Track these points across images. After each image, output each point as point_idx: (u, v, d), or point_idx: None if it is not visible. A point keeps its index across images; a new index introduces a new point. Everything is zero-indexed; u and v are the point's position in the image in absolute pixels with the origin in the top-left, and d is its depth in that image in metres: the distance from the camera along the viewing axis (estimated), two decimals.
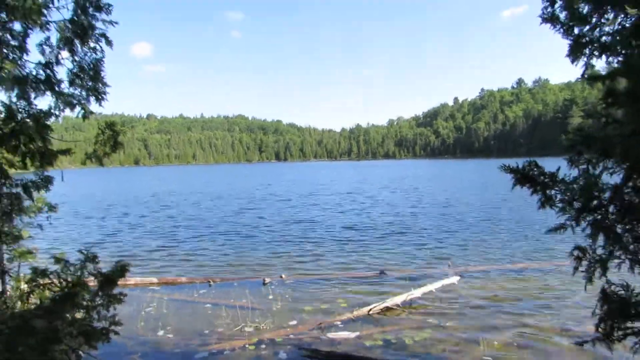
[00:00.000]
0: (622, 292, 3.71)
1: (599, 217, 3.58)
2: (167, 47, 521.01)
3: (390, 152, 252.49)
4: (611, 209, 3.64)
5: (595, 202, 3.57)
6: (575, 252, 3.85)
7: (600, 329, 3.79)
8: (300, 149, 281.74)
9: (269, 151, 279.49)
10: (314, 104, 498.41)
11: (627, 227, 3.57)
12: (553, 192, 3.90)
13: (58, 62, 4.46)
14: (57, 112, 4.67)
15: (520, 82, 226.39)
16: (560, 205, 3.84)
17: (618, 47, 4.34)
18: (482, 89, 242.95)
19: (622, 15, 4.23)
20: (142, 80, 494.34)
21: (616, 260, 3.66)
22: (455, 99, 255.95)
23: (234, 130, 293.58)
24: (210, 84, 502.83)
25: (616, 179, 3.67)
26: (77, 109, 4.75)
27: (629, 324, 3.71)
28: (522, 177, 3.94)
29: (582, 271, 3.85)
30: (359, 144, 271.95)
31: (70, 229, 24.68)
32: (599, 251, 3.74)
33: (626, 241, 3.55)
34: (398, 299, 10.72)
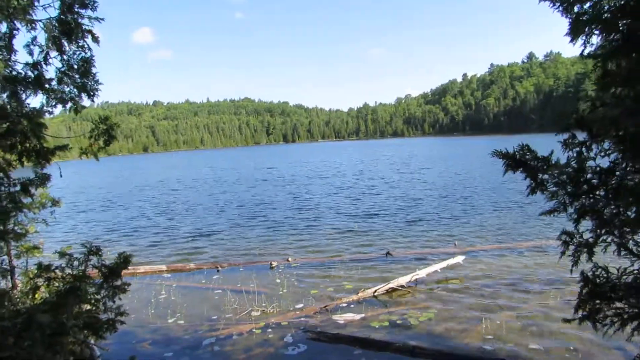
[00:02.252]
0: (603, 274, 3.71)
1: (589, 200, 3.56)
2: (168, 32, 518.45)
3: (399, 131, 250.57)
4: (600, 192, 3.61)
5: (585, 186, 3.54)
6: (563, 237, 3.84)
7: (580, 310, 3.82)
8: (308, 130, 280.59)
9: (277, 133, 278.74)
10: (321, 84, 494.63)
11: (614, 210, 3.54)
12: (545, 176, 3.87)
13: (47, 62, 4.47)
14: (49, 109, 4.70)
15: (531, 56, 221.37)
16: (553, 189, 3.81)
17: (618, 25, 4.23)
18: (492, 64, 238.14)
19: None
20: (147, 67, 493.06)
21: (602, 244, 3.66)
22: (464, 75, 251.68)
23: (240, 113, 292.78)
24: (215, 68, 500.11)
25: (607, 162, 3.63)
26: (69, 104, 4.77)
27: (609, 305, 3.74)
28: (514, 163, 3.90)
29: (569, 255, 3.85)
30: (366, 123, 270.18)
31: (76, 221, 25.02)
32: (586, 235, 3.73)
33: (613, 225, 3.53)
34: (403, 280, 10.79)
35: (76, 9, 4.42)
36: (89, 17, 4.49)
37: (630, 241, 3.77)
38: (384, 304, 9.91)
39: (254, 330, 8.73)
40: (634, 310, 3.73)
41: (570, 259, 3.84)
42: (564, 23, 4.56)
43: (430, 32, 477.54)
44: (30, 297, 5.53)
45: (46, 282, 5.25)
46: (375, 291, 10.34)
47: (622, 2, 4.14)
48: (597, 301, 3.65)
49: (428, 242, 15.53)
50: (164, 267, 13.46)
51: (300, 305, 9.99)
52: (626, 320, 3.76)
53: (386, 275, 11.69)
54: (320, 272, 12.46)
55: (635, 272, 3.77)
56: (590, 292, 3.63)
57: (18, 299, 5.62)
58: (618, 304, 3.71)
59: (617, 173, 3.57)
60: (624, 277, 3.80)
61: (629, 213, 3.69)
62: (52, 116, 5.03)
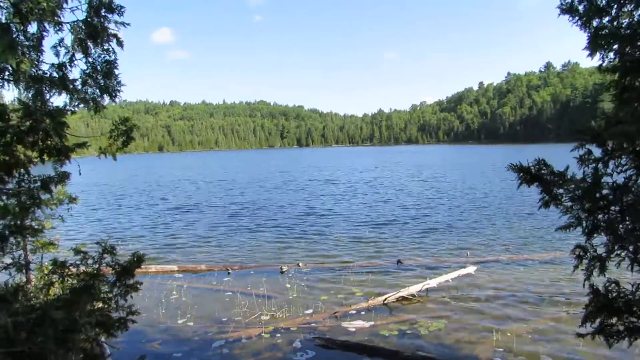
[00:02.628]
0: (614, 288, 3.69)
1: (604, 216, 3.54)
2: (188, 33, 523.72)
3: (413, 138, 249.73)
4: (615, 208, 3.59)
5: (600, 202, 3.52)
6: (577, 251, 3.82)
7: (588, 322, 3.79)
8: (322, 134, 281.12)
9: (291, 137, 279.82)
10: (336, 89, 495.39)
11: (629, 227, 3.51)
12: (560, 190, 3.85)
13: (72, 63, 4.57)
14: (71, 109, 4.80)
15: (548, 65, 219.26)
16: (567, 204, 3.79)
17: (636, 41, 4.20)
18: (508, 73, 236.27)
19: None
20: (165, 66, 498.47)
21: (616, 259, 3.64)
22: (480, 84, 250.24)
23: (255, 116, 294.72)
24: (232, 70, 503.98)
25: (622, 178, 3.61)
26: (91, 104, 4.87)
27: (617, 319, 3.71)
28: (530, 177, 3.88)
29: (582, 269, 3.83)
30: (381, 130, 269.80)
31: (91, 218, 25.35)
32: (600, 250, 3.71)
33: (627, 240, 3.50)
34: (414, 289, 10.74)
35: (103, 13, 4.52)
36: (115, 22, 4.58)
37: None
38: (394, 312, 9.88)
39: (263, 334, 8.76)
40: None
41: (583, 273, 3.82)
42: (581, 34, 4.54)
43: (445, 39, 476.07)
44: (44, 292, 5.62)
45: (60, 279, 5.34)
46: (386, 299, 10.30)
47: None
48: (607, 314, 3.62)
49: (440, 251, 15.44)
50: (175, 268, 13.58)
51: (310, 311, 9.99)
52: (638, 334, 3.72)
53: (397, 284, 11.65)
54: (331, 279, 12.45)
55: None
56: (601, 305, 3.61)
57: (32, 294, 5.72)
58: (631, 319, 3.67)
59: (633, 189, 3.54)
60: (638, 292, 3.76)
61: None
62: (68, 114, 5.14)
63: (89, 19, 4.52)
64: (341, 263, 13.99)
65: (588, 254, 3.77)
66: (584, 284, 3.80)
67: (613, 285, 3.69)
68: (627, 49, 4.17)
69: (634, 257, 3.53)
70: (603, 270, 3.65)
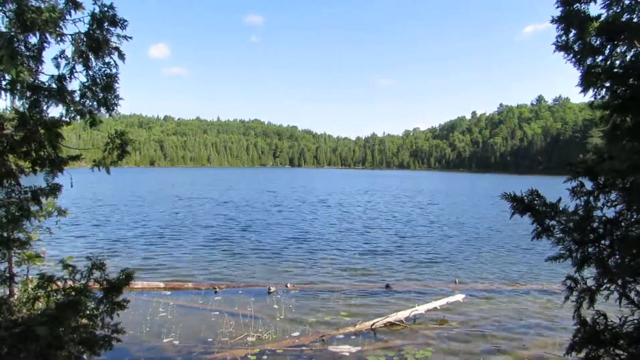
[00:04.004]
0: (602, 320, 3.71)
1: (594, 249, 3.58)
2: (185, 49, 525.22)
3: (405, 163, 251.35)
4: (605, 242, 3.64)
5: (591, 235, 3.56)
6: (568, 282, 3.85)
7: (574, 353, 3.81)
8: (315, 155, 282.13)
9: (284, 156, 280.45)
10: (330, 111, 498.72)
11: (618, 261, 3.56)
12: (553, 222, 3.89)
13: (72, 75, 4.58)
14: (67, 120, 4.79)
15: (540, 99, 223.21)
16: (559, 235, 3.83)
17: (628, 80, 4.31)
18: (501, 104, 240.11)
19: (634, 49, 4.22)
20: (161, 81, 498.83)
21: (605, 292, 3.68)
22: (473, 113, 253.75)
23: (249, 134, 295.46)
24: (228, 88, 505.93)
25: (612, 213, 3.67)
26: (87, 117, 4.87)
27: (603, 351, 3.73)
28: (523, 207, 3.93)
29: (573, 301, 3.86)
30: (373, 153, 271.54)
31: (80, 231, 25.02)
32: (590, 282, 3.75)
33: (616, 274, 3.55)
34: (402, 315, 10.67)
35: (106, 26, 4.56)
36: (118, 35, 4.62)
37: (632, 291, 3.78)
38: (381, 337, 9.78)
39: (249, 356, 8.62)
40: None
41: (573, 304, 3.85)
42: (574, 71, 4.66)
43: (440, 68, 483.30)
44: (28, 306, 5.51)
45: (47, 294, 5.23)
46: (373, 324, 10.22)
47: (633, 60, 4.24)
48: (594, 346, 3.64)
49: (429, 277, 15.39)
50: (161, 285, 13.38)
51: (297, 334, 9.87)
52: None
53: (385, 309, 11.56)
54: (319, 301, 12.34)
55: (636, 321, 3.76)
56: (588, 337, 3.63)
57: (15, 308, 5.60)
58: (617, 351, 3.69)
59: (623, 224, 3.60)
60: (626, 326, 3.79)
61: (632, 263, 3.71)
62: (66, 125, 5.11)
63: (91, 32, 4.56)
64: (329, 286, 13.88)
65: (579, 285, 3.80)
66: (573, 315, 3.83)
67: (601, 317, 3.71)
68: (618, 88, 4.28)
69: (623, 291, 3.57)
70: (592, 302, 3.68)
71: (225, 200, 45.22)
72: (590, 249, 3.64)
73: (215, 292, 12.98)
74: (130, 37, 4.74)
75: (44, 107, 4.70)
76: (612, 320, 3.78)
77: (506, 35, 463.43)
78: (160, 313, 11.07)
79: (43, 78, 4.61)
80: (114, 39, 4.70)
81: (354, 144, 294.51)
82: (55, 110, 4.89)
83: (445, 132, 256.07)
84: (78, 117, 4.98)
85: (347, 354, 8.84)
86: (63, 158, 5.13)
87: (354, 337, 9.69)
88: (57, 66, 4.54)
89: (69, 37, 4.58)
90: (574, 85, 4.59)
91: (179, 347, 9.08)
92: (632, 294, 3.68)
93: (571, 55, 4.63)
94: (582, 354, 3.85)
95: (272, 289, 13.14)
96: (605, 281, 3.63)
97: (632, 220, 3.77)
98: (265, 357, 8.61)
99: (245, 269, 16.17)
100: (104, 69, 4.73)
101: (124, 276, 5.44)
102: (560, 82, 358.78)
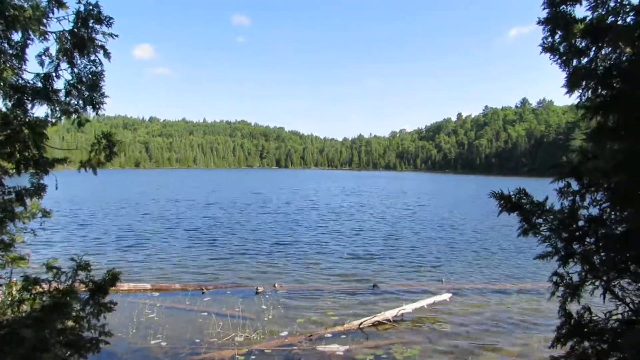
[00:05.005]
0: (586, 315, 3.80)
1: (578, 246, 3.66)
2: (170, 50, 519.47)
3: (391, 164, 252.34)
4: (590, 239, 3.71)
5: (576, 233, 3.63)
6: (554, 278, 3.92)
7: (558, 345, 3.89)
8: (302, 156, 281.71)
9: (270, 157, 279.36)
10: (317, 112, 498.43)
11: (603, 257, 3.64)
12: (539, 220, 3.96)
13: (57, 73, 4.51)
14: (53, 120, 4.72)
15: (524, 101, 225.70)
16: (546, 233, 3.90)
17: (613, 82, 4.39)
18: (486, 107, 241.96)
19: (618, 51, 4.29)
20: (146, 82, 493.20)
21: (590, 287, 3.76)
22: (459, 115, 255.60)
23: (235, 135, 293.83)
24: (214, 89, 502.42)
25: (598, 211, 3.75)
26: (74, 116, 4.80)
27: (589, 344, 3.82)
28: (510, 205, 3.99)
29: (559, 296, 3.94)
30: (360, 154, 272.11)
31: (64, 234, 24.68)
32: (575, 278, 3.83)
33: (601, 270, 3.63)
34: (389, 314, 10.73)
35: (91, 24, 4.49)
36: (103, 33, 4.56)
37: (617, 287, 3.86)
38: (369, 336, 9.82)
39: (236, 356, 8.59)
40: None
41: (559, 299, 3.93)
42: (558, 73, 4.72)
43: (426, 70, 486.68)
44: (13, 309, 5.41)
45: (32, 296, 5.15)
46: (361, 323, 10.25)
47: (616, 62, 4.32)
48: (578, 338, 3.72)
49: (416, 277, 15.49)
50: (148, 286, 13.26)
51: (285, 333, 9.86)
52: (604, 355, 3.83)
53: (372, 308, 11.62)
54: (307, 301, 12.34)
55: (620, 315, 3.85)
56: (573, 330, 3.71)
57: (0, 311, 5.50)
58: (601, 344, 3.77)
59: (607, 222, 3.67)
60: (611, 321, 3.87)
61: (616, 260, 3.79)
62: (48, 126, 5.03)
63: (75, 30, 4.50)
64: (317, 286, 13.89)
65: (564, 280, 3.88)
66: (559, 310, 3.90)
67: (587, 312, 3.79)
68: (602, 89, 4.36)
69: (607, 286, 3.65)
70: (574, 296, 3.76)
71: (211, 202, 44.97)
72: (575, 246, 3.71)
73: (203, 293, 12.90)
74: (116, 35, 4.69)
75: (29, 107, 4.62)
76: (596, 315, 3.86)
77: (491, 38, 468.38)
78: (147, 315, 10.96)
79: (27, 76, 4.53)
80: (99, 36, 4.63)
81: (341, 145, 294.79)
82: (40, 110, 4.82)
83: (431, 134, 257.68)
84: (64, 116, 4.91)
85: (336, 353, 8.86)
86: (48, 159, 5.04)
87: (342, 336, 9.71)
88: (41, 64, 4.47)
89: (53, 35, 4.51)
90: (559, 87, 4.65)
91: (166, 348, 9.00)
92: (617, 289, 3.76)
93: (557, 56, 4.69)
94: (567, 347, 3.93)
95: (260, 289, 13.10)
96: (589, 277, 3.71)
97: (616, 218, 3.84)
98: (253, 357, 8.59)
99: (233, 269, 16.10)
100: (89, 66, 4.66)
101: (109, 277, 5.38)
102: (545, 85, 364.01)
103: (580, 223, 3.80)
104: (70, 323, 5.03)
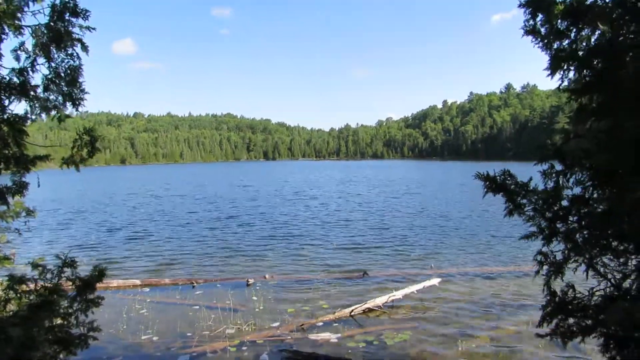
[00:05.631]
0: (570, 292, 3.88)
1: (562, 225, 3.72)
2: (153, 44, 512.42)
3: (379, 153, 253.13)
4: (573, 218, 3.78)
5: (560, 212, 3.69)
6: (538, 257, 3.99)
7: (545, 323, 3.97)
8: (289, 148, 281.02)
9: (258, 150, 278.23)
10: (304, 103, 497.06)
11: (586, 236, 3.71)
12: (524, 200, 4.01)
13: (34, 68, 4.42)
14: (33, 117, 4.63)
15: (508, 87, 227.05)
16: (530, 213, 3.95)
17: (593, 62, 4.43)
18: (471, 93, 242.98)
19: (598, 32, 4.33)
20: (129, 77, 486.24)
21: (573, 265, 3.83)
22: (444, 102, 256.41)
23: (222, 128, 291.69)
24: (198, 82, 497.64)
25: (579, 191, 3.80)
26: (53, 112, 4.72)
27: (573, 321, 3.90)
28: (495, 186, 4.03)
29: (543, 274, 4.01)
30: (347, 144, 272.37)
31: (50, 232, 24.41)
32: (559, 256, 3.89)
33: (584, 248, 3.70)
34: (379, 300, 10.82)
35: (67, 17, 4.41)
36: (80, 26, 4.48)
37: (599, 264, 3.94)
38: (360, 324, 9.89)
39: (228, 348, 8.60)
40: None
41: (544, 278, 4.00)
42: (541, 57, 4.75)
43: (411, 57, 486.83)
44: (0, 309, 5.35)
45: (18, 294, 5.10)
46: (352, 311, 10.33)
47: (596, 43, 4.36)
48: (563, 315, 3.80)
49: (405, 263, 15.62)
50: (137, 282, 13.19)
51: (276, 324, 9.89)
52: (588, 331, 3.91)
53: (363, 295, 11.69)
54: (297, 291, 12.39)
55: (602, 291, 3.93)
56: (557, 307, 3.79)
57: None
58: (585, 320, 3.86)
59: (590, 202, 3.74)
60: (594, 298, 3.95)
61: (598, 237, 3.86)
62: (28, 123, 4.94)
63: (51, 23, 4.41)
64: (307, 275, 13.94)
65: (548, 259, 3.95)
66: (543, 288, 3.97)
67: (570, 290, 3.87)
68: (583, 70, 4.40)
69: (590, 263, 3.73)
70: (558, 274, 3.84)
71: (199, 196, 44.76)
72: (559, 225, 3.77)
73: (193, 286, 12.88)
74: (94, 28, 4.61)
75: (6, 103, 4.53)
76: (580, 292, 3.94)
77: (474, 25, 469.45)
78: (137, 310, 10.92)
79: (3, 72, 4.44)
80: (76, 30, 4.55)
81: (328, 136, 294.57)
82: (19, 107, 4.73)
83: (418, 122, 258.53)
84: (43, 113, 4.83)
85: (329, 341, 8.92)
86: (29, 156, 4.96)
87: (333, 324, 9.78)
88: (17, 59, 4.38)
89: (29, 29, 4.42)
90: (542, 71, 4.68)
91: (158, 342, 8.99)
92: (599, 266, 3.84)
93: (539, 39, 4.71)
94: (553, 325, 4.01)
95: (251, 280, 13.12)
96: (573, 255, 3.78)
97: (599, 197, 3.90)
98: (245, 348, 8.62)
99: (223, 262, 16.09)
100: (67, 60, 4.57)
101: (96, 272, 5.34)
102: (528, 69, 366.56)
103: (564, 203, 3.85)
104: (58, 320, 5.00)
